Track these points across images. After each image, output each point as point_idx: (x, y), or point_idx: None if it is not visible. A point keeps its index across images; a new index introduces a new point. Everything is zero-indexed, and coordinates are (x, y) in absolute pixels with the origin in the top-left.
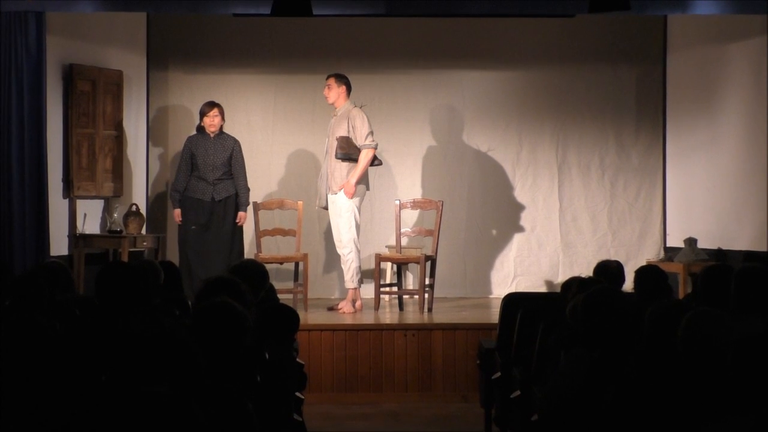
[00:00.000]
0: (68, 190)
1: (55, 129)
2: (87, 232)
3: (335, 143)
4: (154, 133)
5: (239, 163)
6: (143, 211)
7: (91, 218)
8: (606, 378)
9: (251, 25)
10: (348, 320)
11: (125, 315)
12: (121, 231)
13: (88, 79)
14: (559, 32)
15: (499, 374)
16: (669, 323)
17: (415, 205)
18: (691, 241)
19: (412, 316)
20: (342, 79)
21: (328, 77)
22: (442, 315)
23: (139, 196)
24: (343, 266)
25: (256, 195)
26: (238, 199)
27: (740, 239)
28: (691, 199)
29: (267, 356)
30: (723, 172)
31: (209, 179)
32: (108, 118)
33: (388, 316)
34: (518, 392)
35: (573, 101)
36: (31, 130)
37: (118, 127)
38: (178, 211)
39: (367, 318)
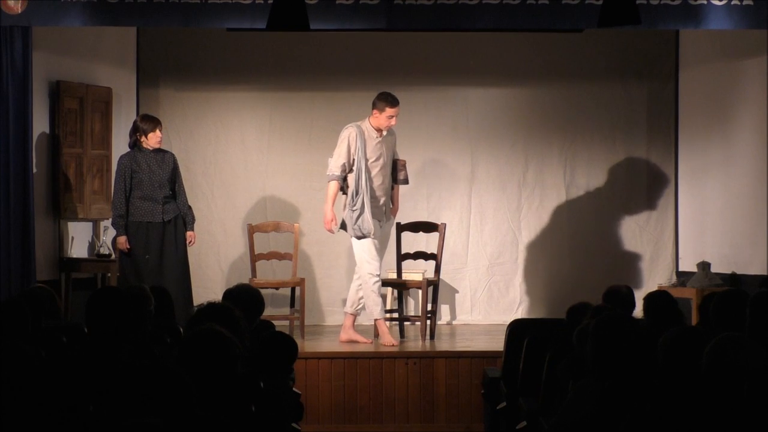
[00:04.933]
0: (55, 212)
1: (42, 148)
2: (74, 256)
3: (391, 166)
4: None
5: (180, 178)
6: None
7: (78, 241)
8: (618, 408)
9: (246, 40)
10: (347, 348)
11: (116, 343)
12: (110, 255)
13: (76, 96)
14: (567, 48)
15: (504, 404)
16: (685, 351)
17: (416, 227)
18: (704, 266)
19: (413, 343)
20: None
21: (398, 104)
22: (444, 342)
23: None
24: (368, 293)
25: (250, 217)
26: (185, 218)
27: (755, 263)
28: (705, 222)
29: (262, 386)
30: (737, 193)
31: (158, 198)
32: (96, 137)
33: None
34: (524, 423)
35: (581, 119)
36: (16, 150)
37: (107, 146)
38: (124, 238)
39: (367, 346)
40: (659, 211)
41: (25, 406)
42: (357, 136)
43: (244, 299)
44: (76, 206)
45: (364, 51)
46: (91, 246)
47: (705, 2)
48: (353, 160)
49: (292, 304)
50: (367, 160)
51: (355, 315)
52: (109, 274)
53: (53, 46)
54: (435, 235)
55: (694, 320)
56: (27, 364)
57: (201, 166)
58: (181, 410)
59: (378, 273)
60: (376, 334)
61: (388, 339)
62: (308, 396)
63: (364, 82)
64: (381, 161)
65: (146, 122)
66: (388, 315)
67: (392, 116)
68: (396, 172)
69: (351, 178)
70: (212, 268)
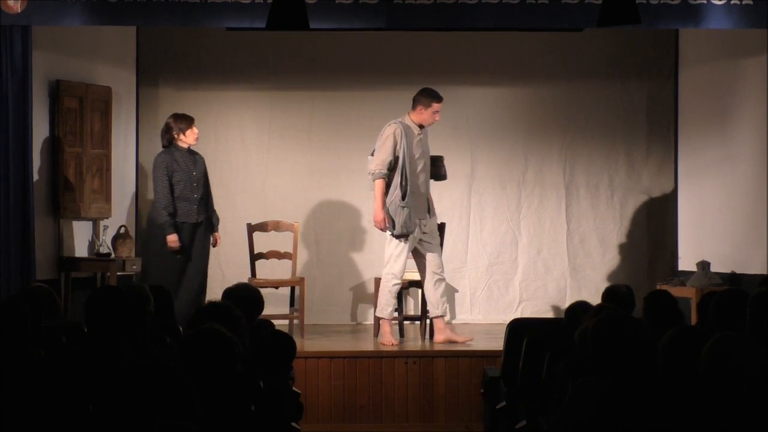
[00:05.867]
0: (54, 212)
1: (41, 148)
2: (74, 255)
3: (433, 163)
4: (144, 152)
5: (208, 179)
6: (132, 233)
7: (78, 241)
8: (618, 408)
9: (245, 39)
10: (346, 347)
11: (115, 343)
12: (109, 254)
13: (76, 95)
14: (567, 47)
15: (504, 404)
16: (685, 350)
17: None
18: (704, 265)
19: (413, 342)
20: None
21: (441, 100)
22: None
23: (128, 217)
24: (441, 291)
25: (250, 216)
26: (212, 219)
27: (755, 263)
28: (704, 221)
29: (261, 385)
30: (737, 192)
31: (192, 198)
32: (96, 136)
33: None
34: (524, 423)
35: (581, 119)
36: (16, 149)
37: (107, 145)
38: (176, 237)
39: (366, 345)
40: (659, 210)
41: (25, 406)
42: (402, 133)
43: (243, 298)
44: (75, 206)
45: (363, 50)
46: (91, 245)
47: (705, 2)
48: (397, 156)
49: (291, 304)
50: (411, 157)
51: (443, 315)
52: (109, 274)
53: (53, 45)
54: None
55: (693, 320)
56: (27, 364)
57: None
58: (182, 410)
59: (401, 275)
60: (375, 333)
61: (389, 339)
62: (308, 395)
63: (364, 81)
64: (423, 159)
65: (182, 120)
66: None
67: (437, 111)
68: (437, 168)
69: (394, 176)
70: (212, 267)
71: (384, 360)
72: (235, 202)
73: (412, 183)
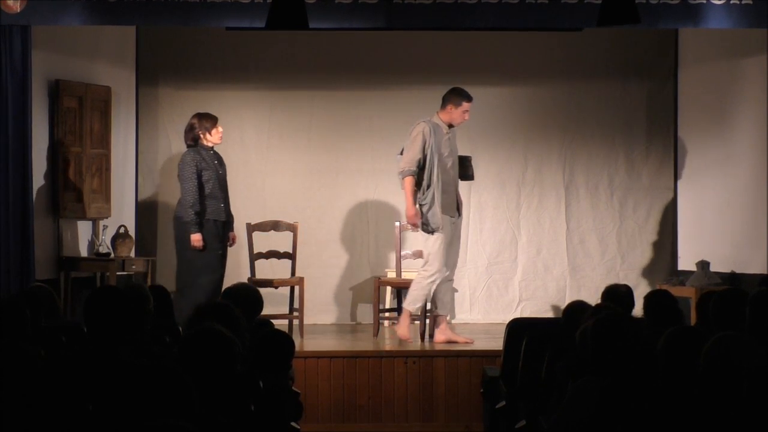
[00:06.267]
0: (54, 211)
1: (41, 147)
2: (74, 255)
3: (461, 163)
4: (144, 152)
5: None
6: (132, 233)
7: (78, 241)
8: (618, 407)
9: (245, 39)
10: (346, 347)
11: (115, 342)
12: (109, 254)
13: (75, 95)
14: (567, 47)
15: (503, 403)
16: (685, 350)
17: (415, 226)
18: (703, 265)
19: (413, 342)
20: None
21: (471, 99)
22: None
23: (128, 217)
24: (450, 293)
25: (250, 216)
26: (231, 219)
27: (755, 262)
28: (704, 221)
29: (261, 385)
30: (737, 192)
31: (219, 197)
32: (95, 136)
33: (388, 342)
34: (524, 422)
35: (581, 118)
36: (15, 149)
37: (106, 145)
38: (200, 236)
39: (366, 344)
40: (658, 210)
41: (25, 406)
42: (431, 132)
43: (243, 298)
44: (75, 205)
45: (363, 50)
46: (91, 245)
47: (704, 1)
48: (426, 155)
49: (291, 303)
50: (440, 155)
51: (446, 316)
52: (108, 273)
53: (52, 45)
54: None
55: (693, 319)
56: (27, 364)
57: None
58: (182, 410)
59: (440, 272)
60: (375, 333)
61: (404, 331)
62: (307, 395)
63: (364, 81)
64: (451, 157)
65: (206, 120)
66: (387, 314)
67: (467, 111)
68: (465, 168)
69: (424, 174)
70: None
71: (384, 360)
72: (235, 201)
73: (442, 181)
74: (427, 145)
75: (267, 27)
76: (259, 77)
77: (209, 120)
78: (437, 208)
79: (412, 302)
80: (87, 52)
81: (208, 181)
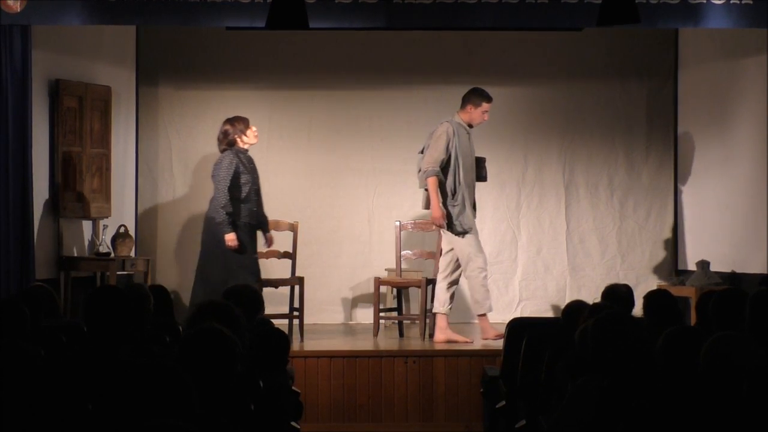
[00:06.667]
0: (54, 211)
1: (41, 147)
2: (74, 254)
3: (477, 164)
4: (144, 152)
5: None
6: (132, 232)
7: (77, 240)
8: (618, 407)
9: (245, 38)
10: (346, 347)
11: (115, 342)
12: (109, 253)
13: (75, 95)
14: (566, 47)
15: (503, 403)
16: (684, 350)
17: (416, 226)
18: (703, 264)
19: (412, 342)
20: None
21: (491, 100)
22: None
23: (128, 216)
24: (478, 288)
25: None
26: (264, 220)
27: (755, 262)
28: (704, 221)
29: (261, 384)
30: (737, 191)
31: (254, 200)
32: (96, 135)
33: (388, 342)
34: (524, 422)
35: (581, 118)
36: (15, 148)
37: (106, 145)
38: (234, 236)
39: (366, 344)
40: (658, 209)
41: (25, 406)
42: (454, 132)
43: (243, 298)
44: (75, 205)
45: (363, 50)
46: (91, 244)
47: (704, 1)
48: (450, 155)
49: (291, 303)
50: (464, 155)
51: (447, 314)
52: (108, 273)
53: (52, 44)
54: (434, 234)
55: (693, 319)
56: (27, 364)
57: (200, 165)
58: (182, 409)
59: (485, 266)
60: (375, 333)
61: (493, 333)
62: (307, 394)
63: (364, 80)
64: (471, 158)
65: (239, 122)
66: (386, 314)
67: (486, 111)
68: (479, 170)
69: (448, 174)
70: None
71: (383, 359)
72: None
73: (464, 181)
74: (450, 145)
75: (267, 27)
76: (259, 77)
77: (242, 122)
78: (468, 209)
79: (482, 303)
80: (87, 51)
81: (245, 185)
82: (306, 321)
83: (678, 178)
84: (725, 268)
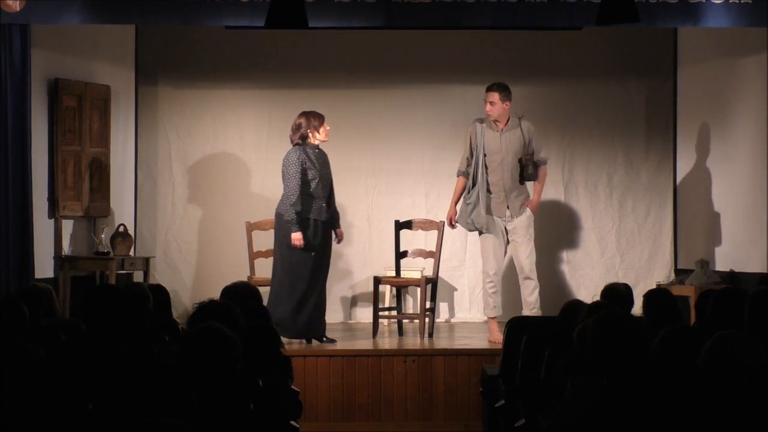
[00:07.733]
0: (53, 210)
1: (40, 146)
2: (73, 253)
3: (515, 162)
4: (143, 151)
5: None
6: (131, 231)
7: (77, 239)
8: (617, 406)
9: (244, 38)
10: (345, 346)
11: (115, 341)
12: (108, 252)
13: (74, 94)
14: (566, 46)
15: (503, 402)
16: (682, 349)
17: (415, 225)
18: (702, 263)
19: (412, 341)
20: (508, 93)
21: (491, 90)
22: (443, 340)
23: (127, 216)
24: (529, 291)
25: (249, 215)
26: (335, 216)
27: (754, 261)
28: (703, 220)
29: (260, 383)
30: (736, 190)
31: (323, 196)
32: (95, 134)
33: (387, 341)
34: (523, 421)
35: (580, 117)
36: (14, 148)
37: (105, 144)
38: (300, 235)
39: (365, 344)
40: (658, 208)
41: (25, 405)
42: (477, 130)
43: (241, 296)
44: (74, 204)
45: (362, 49)
46: (90, 243)
47: (703, 0)
48: (473, 154)
49: None
50: (485, 155)
51: (495, 317)
52: (108, 272)
53: (52, 44)
54: (434, 233)
55: (692, 318)
56: (26, 363)
57: (199, 164)
58: (181, 408)
59: (493, 272)
60: (375, 333)
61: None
62: (307, 394)
63: (363, 79)
64: (500, 155)
65: (314, 118)
66: (386, 313)
67: (486, 100)
68: (524, 167)
69: (472, 172)
70: (210, 265)
71: (383, 359)
72: (234, 200)
73: (485, 180)
74: (473, 144)
75: (266, 26)
76: (258, 77)
77: (317, 118)
78: (482, 208)
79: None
80: (86, 51)
81: (312, 180)
82: None
83: (677, 177)
84: (725, 267)
